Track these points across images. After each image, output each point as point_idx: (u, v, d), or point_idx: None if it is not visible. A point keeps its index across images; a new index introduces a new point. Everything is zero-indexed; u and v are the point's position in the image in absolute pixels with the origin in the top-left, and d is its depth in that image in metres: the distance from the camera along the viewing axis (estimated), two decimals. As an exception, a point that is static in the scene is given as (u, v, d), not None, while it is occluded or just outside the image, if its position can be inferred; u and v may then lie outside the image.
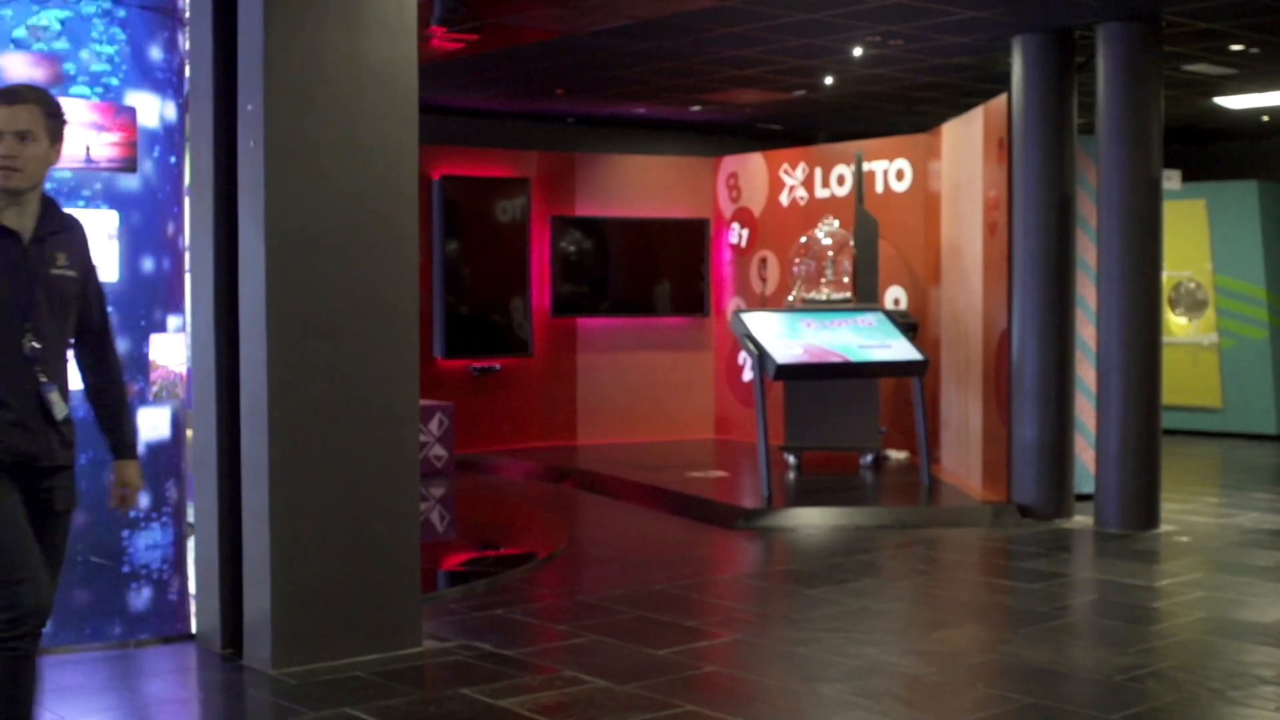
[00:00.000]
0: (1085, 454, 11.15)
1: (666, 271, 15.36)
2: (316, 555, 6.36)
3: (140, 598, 7.30)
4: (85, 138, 7.09)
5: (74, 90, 7.07)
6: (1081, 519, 10.56)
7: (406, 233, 6.67)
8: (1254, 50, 11.71)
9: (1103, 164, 10.35)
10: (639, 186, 15.29)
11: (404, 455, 6.64)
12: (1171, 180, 12.39)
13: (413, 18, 6.68)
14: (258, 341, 6.33)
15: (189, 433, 7.36)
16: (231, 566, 6.65)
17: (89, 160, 7.11)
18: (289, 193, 6.31)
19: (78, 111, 7.02)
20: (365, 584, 6.50)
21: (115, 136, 7.21)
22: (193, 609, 7.01)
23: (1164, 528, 10.29)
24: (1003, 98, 10.91)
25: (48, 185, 4.41)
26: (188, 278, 7.20)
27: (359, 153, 6.48)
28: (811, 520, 10.45)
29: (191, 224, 6.94)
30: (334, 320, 6.41)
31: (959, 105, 13.81)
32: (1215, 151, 18.33)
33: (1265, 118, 16.14)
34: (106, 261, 7.14)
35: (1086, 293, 11.11)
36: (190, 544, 7.38)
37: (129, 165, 7.25)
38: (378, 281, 6.54)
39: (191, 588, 7.20)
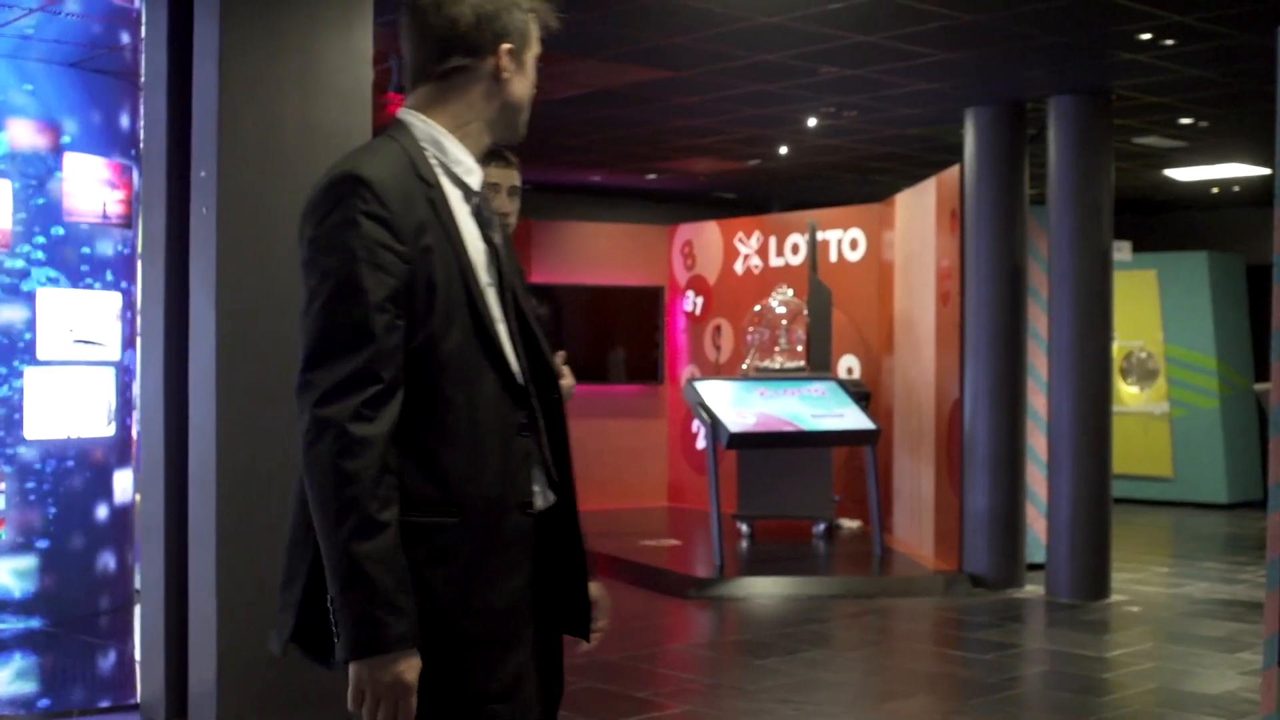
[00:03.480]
0: (1037, 523, 11.18)
1: (621, 339, 15.38)
2: (263, 623, 6.27)
3: (87, 665, 7.23)
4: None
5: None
6: (1033, 588, 10.58)
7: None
8: (1203, 124, 11.85)
9: (1054, 235, 10.43)
10: (594, 253, 15.32)
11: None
12: (1122, 251, 12.49)
13: (367, 86, 6.69)
14: (206, 406, 6.29)
15: (137, 497, 7.33)
16: (178, 634, 6.58)
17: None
18: (240, 259, 6.29)
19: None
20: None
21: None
22: (138, 677, 6.94)
23: (1115, 597, 10.31)
24: (955, 168, 11.00)
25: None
26: (139, 342, 7.19)
27: (312, 220, 6.46)
28: (764, 590, 10.43)
29: (143, 289, 6.92)
30: (284, 385, 6.33)
31: (912, 175, 13.93)
32: (1166, 222, 18.52)
33: (1215, 190, 16.32)
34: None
35: (1038, 362, 11.17)
36: (137, 611, 7.31)
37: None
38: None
39: (137, 655, 7.13)
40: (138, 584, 7.24)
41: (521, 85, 2.87)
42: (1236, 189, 16.13)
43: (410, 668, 2.49)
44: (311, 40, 6.50)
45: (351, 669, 2.49)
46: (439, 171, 2.77)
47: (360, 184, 2.62)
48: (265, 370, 6.30)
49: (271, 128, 6.39)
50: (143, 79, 7.09)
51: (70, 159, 7.81)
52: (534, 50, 2.87)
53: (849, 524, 13.19)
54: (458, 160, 2.80)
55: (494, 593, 2.66)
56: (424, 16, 2.79)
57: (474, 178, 2.82)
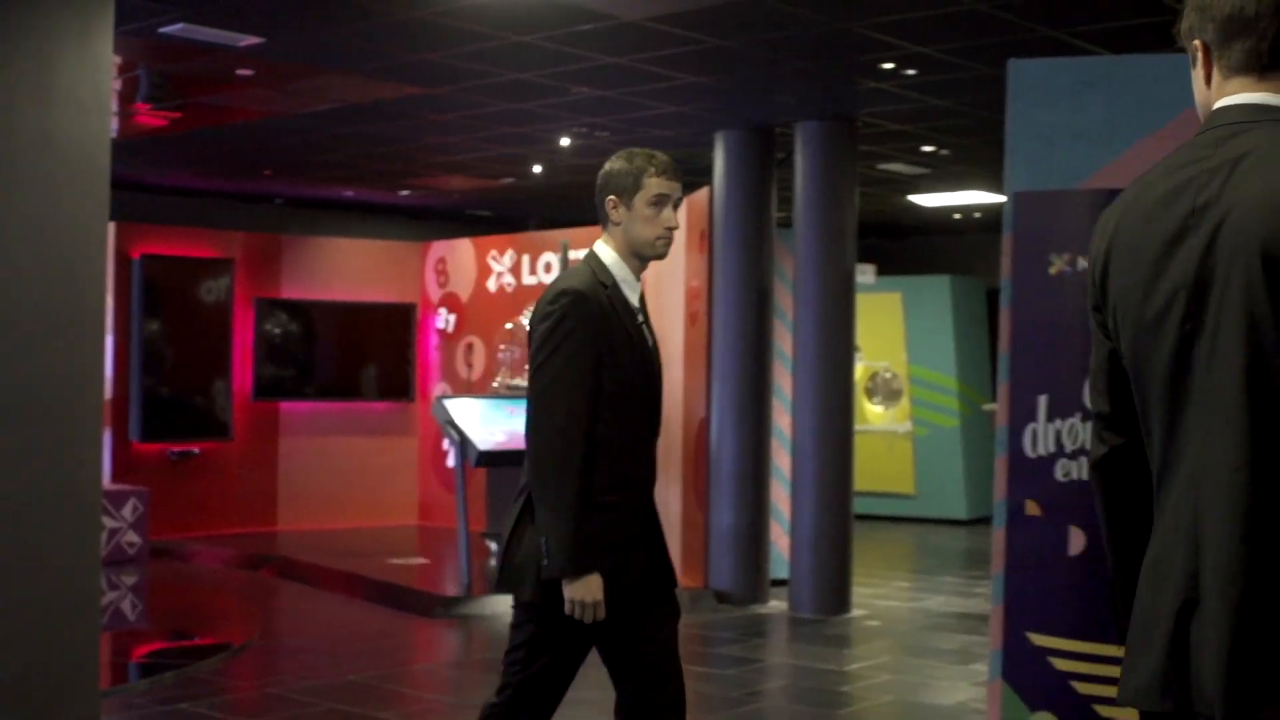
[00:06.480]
0: (780, 540, 11.37)
1: (373, 355, 15.24)
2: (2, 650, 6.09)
3: None
4: None
5: None
6: (777, 604, 10.76)
7: (94, 313, 6.49)
8: (945, 152, 12.21)
9: (800, 257, 10.64)
10: (346, 270, 15.16)
11: (85, 542, 6.42)
12: (866, 274, 12.80)
13: (107, 95, 6.54)
14: (-69, 424, 6.07)
15: None
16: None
17: None
18: (-31, 270, 6.09)
19: None
20: (41, 678, 6.24)
21: None
22: None
23: (855, 612, 10.54)
24: (705, 190, 11.15)
25: None
26: None
27: (46, 231, 6.29)
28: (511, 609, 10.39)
29: None
30: (14, 403, 6.19)
31: (664, 196, 14.04)
32: (911, 247, 19.03)
33: (957, 215, 16.83)
34: None
35: (783, 382, 11.37)
36: None
37: None
38: (62, 363, 6.34)
39: None
40: None
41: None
42: (977, 215, 16.66)
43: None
44: (47, 47, 6.33)
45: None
46: None
47: None
48: (-7, 386, 6.11)
49: (5, 137, 6.20)
50: None
51: None
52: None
53: (599, 541, 13.21)
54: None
55: None
56: None
57: None
